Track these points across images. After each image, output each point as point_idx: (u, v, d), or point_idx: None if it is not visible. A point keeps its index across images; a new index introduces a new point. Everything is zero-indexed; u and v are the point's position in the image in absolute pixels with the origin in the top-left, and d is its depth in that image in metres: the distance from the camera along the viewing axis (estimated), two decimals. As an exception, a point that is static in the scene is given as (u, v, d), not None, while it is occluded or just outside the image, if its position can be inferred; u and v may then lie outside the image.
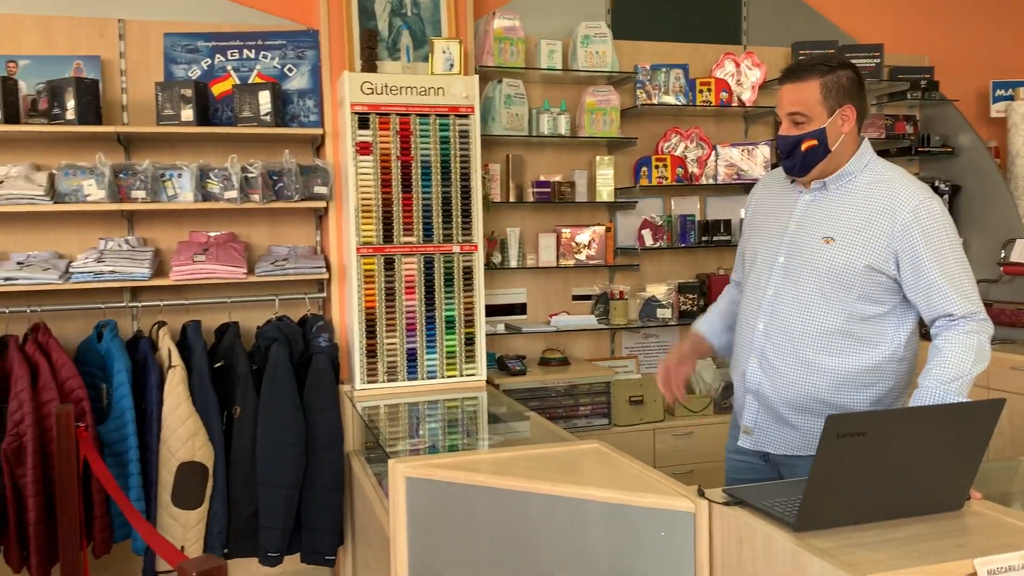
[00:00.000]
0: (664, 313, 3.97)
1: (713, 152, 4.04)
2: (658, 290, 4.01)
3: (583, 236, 3.91)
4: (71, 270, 3.14)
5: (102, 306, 3.30)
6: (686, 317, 4.04)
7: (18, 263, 3.18)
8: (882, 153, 2.84)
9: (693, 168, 4.03)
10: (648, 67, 3.91)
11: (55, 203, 3.11)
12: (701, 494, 1.81)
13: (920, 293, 1.99)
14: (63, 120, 3.10)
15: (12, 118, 3.08)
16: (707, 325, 2.45)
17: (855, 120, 2.06)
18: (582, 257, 3.92)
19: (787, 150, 2.09)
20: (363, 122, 3.18)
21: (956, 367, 1.92)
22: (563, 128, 3.79)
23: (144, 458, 3.06)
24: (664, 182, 3.92)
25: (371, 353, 3.22)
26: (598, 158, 3.92)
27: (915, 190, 2.02)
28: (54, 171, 3.18)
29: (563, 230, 3.89)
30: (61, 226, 3.35)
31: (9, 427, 2.95)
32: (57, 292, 3.21)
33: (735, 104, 4.03)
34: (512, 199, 3.81)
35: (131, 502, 3.00)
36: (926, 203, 1.99)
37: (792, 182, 2.19)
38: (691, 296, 4.01)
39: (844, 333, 2.04)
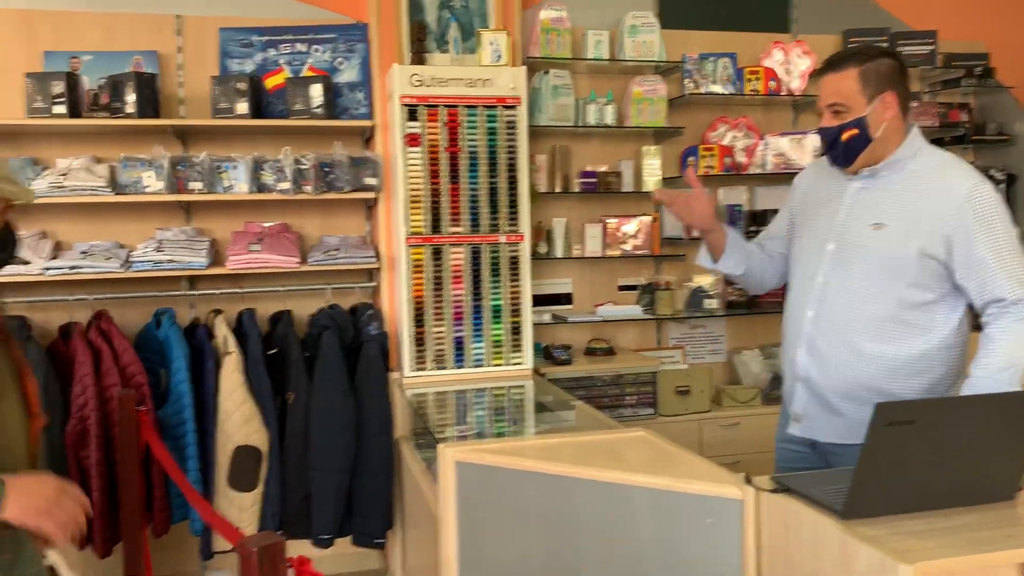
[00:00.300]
0: (711, 304, 3.96)
1: (761, 141, 4.01)
2: (705, 280, 4.00)
3: (629, 226, 3.92)
4: (131, 259, 3.25)
5: (161, 294, 3.40)
6: (734, 308, 4.03)
7: (81, 252, 3.29)
8: (936, 141, 2.81)
9: (741, 158, 4.00)
10: (696, 56, 3.90)
11: (116, 194, 3.21)
12: (748, 481, 1.83)
13: (971, 278, 1.97)
14: (123, 114, 3.20)
15: (75, 112, 3.19)
16: (731, 229, 2.37)
17: (898, 107, 2.05)
18: (628, 247, 3.93)
19: (829, 141, 2.08)
20: (412, 114, 3.23)
21: (1008, 356, 1.90)
22: (610, 118, 3.80)
23: (201, 442, 3.16)
24: (711, 172, 3.91)
25: (419, 341, 3.27)
26: (644, 148, 3.92)
27: (967, 175, 2.00)
28: (115, 163, 3.29)
29: (609, 220, 3.90)
30: (121, 216, 3.46)
31: (73, 411, 3.06)
32: (118, 280, 3.31)
33: (784, 93, 3.99)
34: (558, 189, 3.83)
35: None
36: (978, 187, 1.97)
37: (842, 170, 2.18)
38: (738, 287, 3.99)
39: (894, 320, 2.04)
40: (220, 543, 3.20)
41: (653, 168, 3.92)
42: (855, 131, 2.04)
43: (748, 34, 4.11)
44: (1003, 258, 1.94)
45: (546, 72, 3.71)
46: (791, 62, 4.05)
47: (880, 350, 2.05)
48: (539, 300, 3.91)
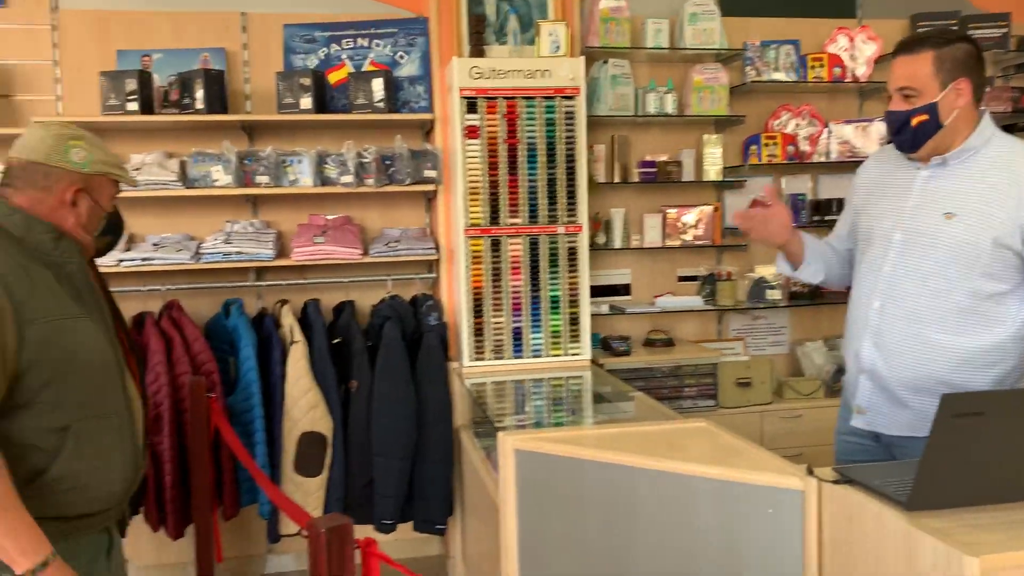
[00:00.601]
0: (773, 295, 3.91)
1: (825, 129, 3.94)
2: (767, 271, 3.95)
3: (689, 216, 3.89)
4: (201, 251, 3.35)
5: (229, 285, 3.50)
6: (797, 299, 3.97)
7: (153, 244, 3.41)
8: (1008, 127, 2.73)
9: (804, 146, 3.94)
10: (758, 43, 3.84)
11: (187, 188, 3.32)
12: (810, 472, 1.81)
13: None
14: (193, 110, 3.30)
15: (147, 109, 3.30)
16: (808, 237, 2.35)
17: (971, 95, 1.99)
18: (688, 237, 3.90)
19: (897, 126, 2.04)
20: (471, 106, 3.26)
21: None
22: (670, 107, 3.78)
23: (268, 428, 3.25)
24: (774, 160, 3.85)
25: (478, 331, 3.31)
26: (705, 137, 3.88)
27: None
28: (185, 158, 3.39)
29: (669, 210, 3.88)
30: (192, 210, 3.57)
31: (148, 397, 3.17)
32: (188, 271, 3.42)
33: (849, 80, 3.91)
34: (617, 179, 3.82)
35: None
36: None
37: (909, 158, 2.13)
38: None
39: (965, 311, 1.99)
40: (286, 526, 3.29)
41: (714, 157, 3.88)
42: (925, 117, 2.00)
43: (811, 20, 4.03)
44: None
45: (605, 62, 3.70)
46: (856, 48, 3.97)
47: (950, 341, 2.00)
48: (597, 291, 3.91)
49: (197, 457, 2.99)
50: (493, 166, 3.29)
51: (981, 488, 1.59)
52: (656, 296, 3.97)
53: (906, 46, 2.05)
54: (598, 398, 2.99)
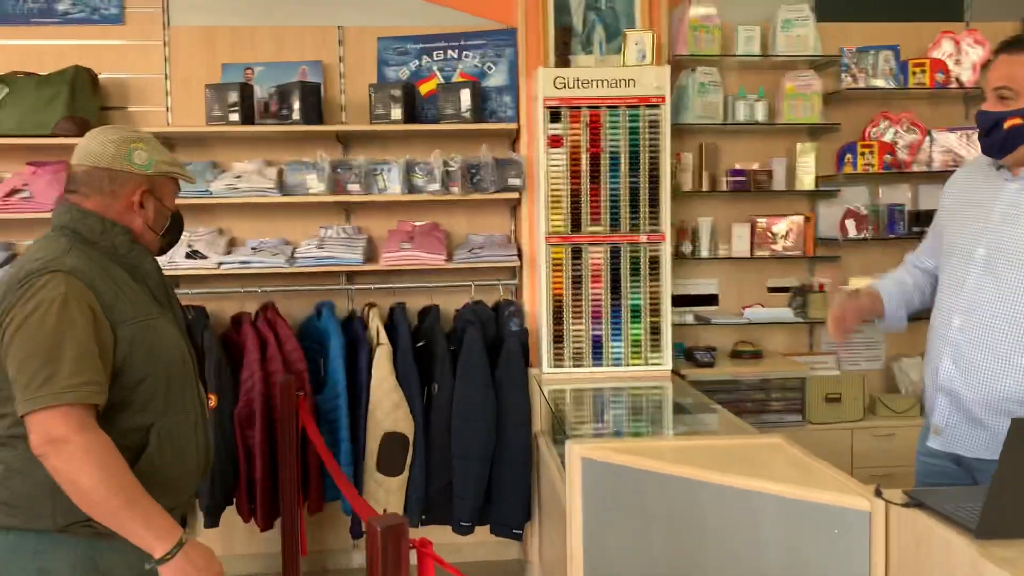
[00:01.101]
0: (867, 308, 3.77)
1: (927, 137, 3.79)
2: (861, 283, 3.77)
3: (780, 226, 3.80)
4: (295, 255, 3.50)
5: (321, 288, 3.65)
6: (892, 312, 3.82)
7: (252, 248, 3.59)
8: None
9: (903, 155, 3.79)
10: (854, 49, 3.73)
11: (283, 195, 3.47)
12: (878, 494, 1.76)
13: None
14: (290, 120, 3.46)
15: (248, 119, 3.47)
16: (885, 289, 2.32)
17: None
18: (778, 248, 3.82)
19: (987, 127, 1.96)
20: (554, 116, 3.29)
21: None
22: (760, 115, 3.71)
23: (353, 426, 3.36)
24: (871, 169, 3.73)
25: (558, 338, 3.33)
26: (799, 145, 3.79)
27: None
28: (283, 166, 3.56)
29: (758, 220, 3.81)
30: (288, 215, 3.73)
31: (241, 393, 3.34)
32: (284, 274, 3.58)
33: (953, 86, 3.74)
34: (705, 188, 3.78)
35: (340, 466, 3.33)
36: None
37: (998, 169, 2.04)
38: (898, 290, 3.78)
39: None
40: (368, 523, 3.39)
41: (807, 166, 3.79)
42: (1019, 120, 1.91)
43: (914, 24, 3.88)
44: None
45: (693, 70, 3.67)
46: (962, 52, 3.79)
47: None
48: (683, 300, 3.88)
49: (284, 453, 3.12)
50: (575, 174, 3.31)
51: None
52: (745, 307, 3.90)
53: (1010, 45, 1.97)
54: (675, 409, 2.97)
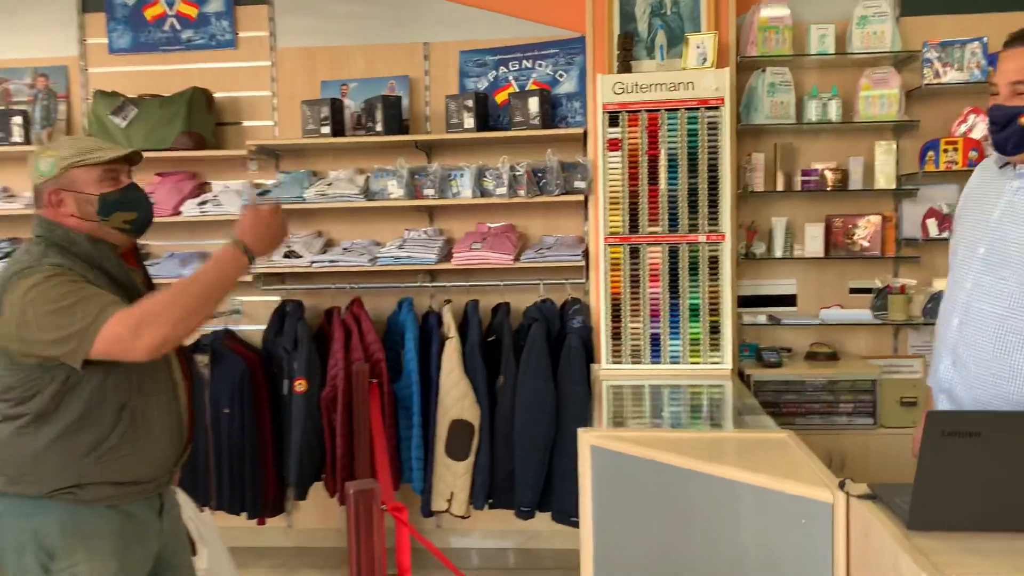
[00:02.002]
0: (951, 310, 3.64)
1: (1020, 132, 3.60)
2: (944, 286, 3.68)
3: (857, 226, 3.74)
4: (378, 255, 3.81)
5: (404, 285, 3.94)
6: (980, 315, 3.66)
7: (344, 249, 3.93)
8: None
9: (989, 152, 3.62)
10: (938, 43, 3.61)
11: (368, 201, 3.79)
12: (842, 486, 1.81)
13: None
14: (374, 132, 3.76)
15: (338, 132, 3.81)
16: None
17: None
18: (856, 248, 3.75)
19: (1002, 122, 1.92)
20: (613, 120, 3.41)
21: None
22: (833, 114, 3.66)
23: (424, 412, 3.63)
24: (954, 167, 3.59)
25: (616, 336, 3.45)
26: (878, 143, 3.71)
27: None
28: (369, 174, 3.87)
29: (835, 220, 3.76)
30: (378, 219, 4.05)
31: (328, 379, 3.68)
32: (372, 272, 3.89)
33: (1049, 76, 3.54)
34: (780, 188, 3.77)
35: (412, 448, 3.61)
36: None
37: (1002, 167, 2.01)
38: (985, 292, 3.63)
39: None
40: (438, 503, 3.65)
41: (886, 164, 3.70)
42: None
43: (1009, 14, 3.70)
44: None
45: (763, 70, 3.68)
46: (1066, 40, 3.58)
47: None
48: (759, 301, 3.89)
49: (358, 434, 3.42)
50: (633, 176, 3.42)
51: (993, 513, 1.53)
52: (823, 308, 3.86)
53: (1022, 37, 1.93)
54: (709, 406, 3.02)
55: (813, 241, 3.75)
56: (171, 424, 1.96)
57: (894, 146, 3.69)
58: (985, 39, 3.60)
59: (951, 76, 3.61)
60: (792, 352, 3.85)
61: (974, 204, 2.09)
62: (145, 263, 2.17)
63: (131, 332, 1.72)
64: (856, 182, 3.73)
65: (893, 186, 3.69)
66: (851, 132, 3.80)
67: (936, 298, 3.68)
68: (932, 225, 3.67)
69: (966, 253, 2.04)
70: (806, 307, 3.93)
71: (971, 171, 3.53)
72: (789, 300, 3.95)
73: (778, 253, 3.80)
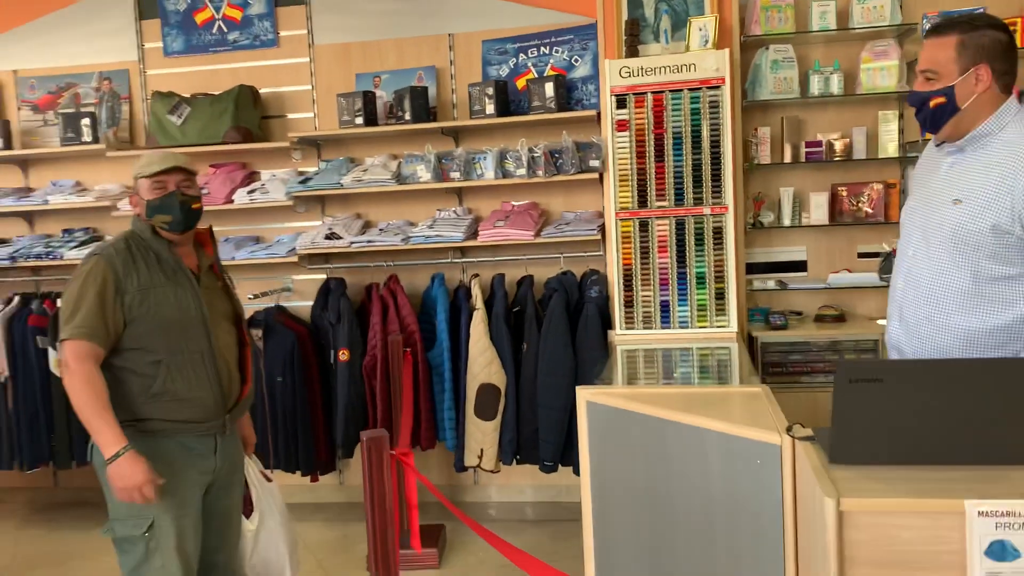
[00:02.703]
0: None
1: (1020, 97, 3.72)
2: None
3: (862, 194, 3.92)
4: (410, 234, 4.14)
5: (437, 261, 4.27)
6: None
7: (380, 230, 4.27)
8: None
9: (993, 116, 3.76)
10: (936, 14, 3.74)
11: (399, 184, 4.11)
12: (789, 431, 2.07)
13: None
14: (403, 120, 4.08)
15: (371, 121, 4.13)
16: None
17: (991, 81, 2.05)
18: (862, 215, 3.93)
19: (917, 106, 2.16)
20: (620, 102, 3.66)
21: None
22: (835, 87, 3.84)
23: (455, 378, 3.97)
24: (954, 134, 3.74)
25: (628, 304, 3.72)
26: (881, 113, 3.88)
27: None
28: (400, 160, 4.20)
29: (840, 188, 3.94)
30: (411, 201, 4.37)
31: (368, 349, 4.05)
32: (407, 251, 4.23)
33: (1048, 42, 3.66)
34: (788, 160, 3.97)
35: (444, 410, 3.96)
36: None
37: (939, 144, 2.22)
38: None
39: (974, 293, 2.08)
40: (470, 458, 3.99)
41: (892, 133, 3.87)
42: (942, 100, 2.10)
43: (1011, -19, 3.81)
44: None
45: (766, 48, 3.87)
46: (1068, 5, 3.69)
47: (959, 322, 2.11)
48: (771, 267, 4.12)
49: (394, 398, 3.78)
50: (641, 155, 3.66)
51: (899, 448, 1.77)
52: (832, 272, 4.05)
53: (935, 29, 2.15)
54: (700, 364, 3.28)
55: (818, 209, 3.95)
56: (208, 378, 2.38)
57: (897, 115, 3.85)
58: (984, 8, 3.71)
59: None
60: (803, 315, 4.06)
61: (921, 176, 2.30)
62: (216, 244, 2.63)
63: (65, 362, 2.27)
64: (860, 152, 3.90)
65: (896, 154, 3.85)
66: (855, 104, 3.96)
67: (888, 257, 3.85)
68: (933, 191, 3.82)
69: (909, 221, 2.27)
70: (816, 272, 4.13)
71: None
72: (800, 266, 4.15)
73: (786, 222, 4.00)
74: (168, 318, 2.34)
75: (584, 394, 2.69)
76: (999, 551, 1.57)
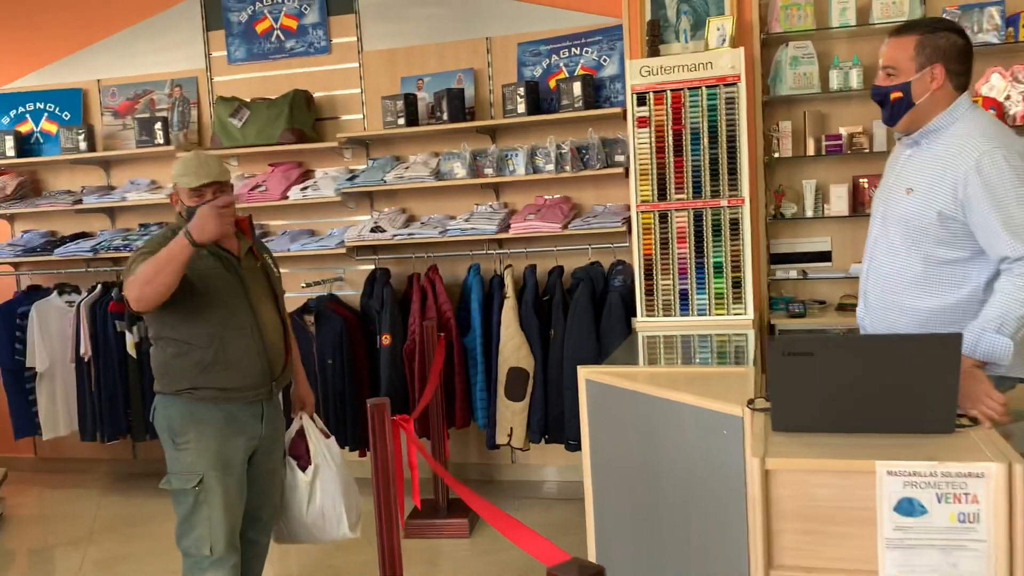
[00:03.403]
0: (974, 261, 3.87)
1: (1043, 88, 3.75)
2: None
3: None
4: (447, 227, 4.42)
5: (474, 253, 4.54)
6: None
7: (421, 223, 4.56)
8: None
9: (1015, 108, 3.80)
10: (957, 8, 3.80)
11: (437, 181, 4.40)
12: (749, 403, 2.25)
13: (982, 238, 2.10)
14: (441, 120, 4.36)
15: (412, 122, 4.43)
16: None
17: (945, 80, 2.20)
18: (883, 206, 4.02)
19: (878, 99, 2.32)
20: (641, 100, 3.84)
21: (1001, 308, 2.02)
22: (855, 82, 3.93)
23: (487, 361, 4.23)
24: (974, 126, 3.79)
25: (649, 292, 3.90)
26: (903, 106, 3.95)
27: (985, 140, 2.11)
28: (440, 158, 4.48)
29: (860, 180, 4.04)
30: (451, 196, 4.65)
31: (408, 334, 4.35)
32: (446, 243, 4.51)
33: (1070, 33, 3.68)
34: (811, 153, 4.08)
35: (476, 391, 4.22)
36: (989, 152, 2.09)
37: (899, 139, 2.37)
38: (1008, 244, 3.83)
39: (926, 276, 2.23)
40: (500, 436, 4.25)
41: (912, 126, 3.94)
42: (900, 94, 2.26)
43: (1034, -27, 3.83)
44: (1008, 219, 2.05)
45: (786, 45, 3.99)
46: (1094, -5, 3.70)
47: (913, 302, 2.26)
48: (796, 258, 4.24)
49: (430, 380, 4.06)
50: (660, 150, 3.84)
51: (842, 417, 1.93)
52: (855, 263, 4.15)
53: (898, 30, 2.31)
54: (701, 347, 3.44)
55: (839, 201, 4.05)
56: (256, 350, 2.69)
57: (917, 108, 3.92)
58: (1003, 1, 3.76)
59: (973, 38, 3.79)
60: (825, 304, 4.17)
61: (888, 166, 2.45)
62: (257, 233, 2.91)
63: (126, 290, 2.50)
64: (880, 144, 3.98)
65: (917, 146, 3.92)
66: (877, 97, 4.04)
67: None
68: (954, 182, 3.88)
69: (874, 209, 2.42)
70: (841, 263, 4.22)
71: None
72: (825, 256, 4.26)
73: (808, 213, 4.12)
74: (219, 294, 2.64)
75: (583, 372, 2.91)
76: (907, 508, 1.74)
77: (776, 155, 4.06)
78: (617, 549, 2.84)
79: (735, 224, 3.80)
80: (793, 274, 4.17)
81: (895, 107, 2.27)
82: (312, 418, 3.00)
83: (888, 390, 1.88)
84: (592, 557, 3.00)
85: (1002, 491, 1.69)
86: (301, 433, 2.96)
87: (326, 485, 2.97)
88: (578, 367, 2.92)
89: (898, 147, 2.42)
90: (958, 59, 2.22)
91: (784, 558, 1.87)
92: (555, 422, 4.16)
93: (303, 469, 2.96)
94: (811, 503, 1.82)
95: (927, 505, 1.73)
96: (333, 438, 3.05)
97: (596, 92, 4.29)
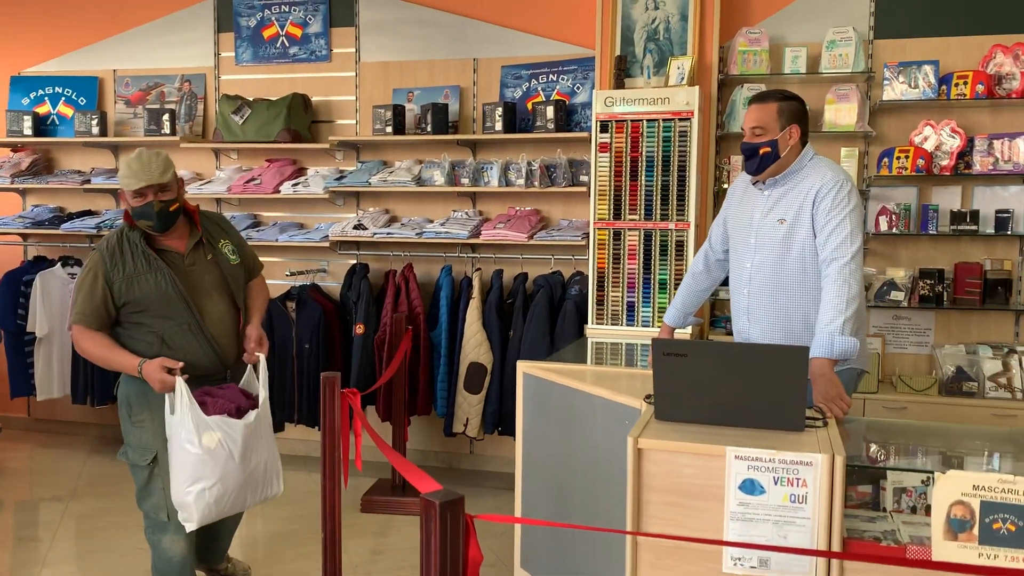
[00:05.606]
0: (897, 296, 4.24)
1: (968, 143, 4.14)
2: (897, 274, 4.28)
3: (821, 220, 4.37)
4: (424, 230, 4.80)
5: (447, 255, 4.91)
6: (925, 302, 4.24)
7: (402, 224, 4.94)
8: None
9: (945, 160, 4.17)
10: (896, 64, 4.19)
11: (417, 186, 4.78)
12: (647, 399, 2.62)
13: (818, 239, 2.68)
14: (426, 131, 4.74)
15: (399, 131, 4.81)
16: (670, 318, 3.27)
17: (799, 136, 2.78)
18: (820, 239, 4.39)
19: (748, 154, 2.81)
20: (603, 127, 4.23)
21: (833, 312, 2.52)
22: (801, 125, 4.31)
23: (450, 355, 4.60)
24: (904, 172, 4.17)
25: (599, 302, 4.28)
26: (844, 149, 4.33)
27: (830, 175, 2.71)
28: (422, 165, 4.86)
29: (802, 214, 4.41)
30: (433, 201, 5.03)
31: (380, 326, 4.72)
32: (422, 243, 4.88)
33: (1004, 95, 4.07)
34: (759, 186, 4.46)
35: (437, 382, 4.59)
36: (834, 180, 2.68)
37: (754, 184, 2.83)
38: (928, 282, 4.21)
39: (802, 284, 2.73)
40: (457, 424, 4.62)
41: (849, 168, 4.32)
42: (768, 149, 2.77)
43: (967, 38, 4.22)
44: (834, 229, 2.61)
45: (741, 86, 4.37)
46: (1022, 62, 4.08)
47: (796, 307, 2.76)
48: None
49: (395, 370, 4.43)
50: (618, 174, 4.23)
51: (712, 411, 2.30)
52: (795, 290, 4.52)
53: (759, 98, 2.86)
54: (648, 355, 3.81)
55: (780, 232, 4.42)
56: (199, 342, 2.93)
57: (856, 152, 4.30)
58: (937, 62, 4.15)
59: (907, 93, 4.18)
60: (764, 325, 4.54)
61: (739, 203, 2.97)
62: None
63: (75, 340, 2.89)
64: (821, 183, 4.36)
65: (858, 187, 4.29)
66: (819, 140, 4.42)
67: (888, 284, 4.30)
68: (883, 221, 4.26)
69: (743, 241, 2.91)
70: (782, 288, 4.59)
71: (919, 176, 4.17)
72: (767, 281, 4.63)
73: (754, 241, 4.49)
74: (150, 299, 2.86)
75: (522, 367, 3.29)
76: (749, 487, 2.11)
77: (725, 185, 4.44)
78: (540, 524, 3.21)
79: (680, 246, 4.18)
80: (723, 295, 4.54)
81: (763, 159, 2.77)
82: (262, 361, 3.03)
83: (749, 391, 2.25)
84: (517, 535, 3.37)
85: (825, 477, 2.06)
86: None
87: (262, 439, 2.92)
88: (518, 363, 3.29)
89: (748, 188, 2.89)
90: (802, 120, 2.81)
91: (651, 525, 2.23)
92: (508, 415, 4.53)
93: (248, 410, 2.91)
94: (677, 480, 2.18)
95: (765, 486, 2.10)
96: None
97: (568, 116, 4.68)
